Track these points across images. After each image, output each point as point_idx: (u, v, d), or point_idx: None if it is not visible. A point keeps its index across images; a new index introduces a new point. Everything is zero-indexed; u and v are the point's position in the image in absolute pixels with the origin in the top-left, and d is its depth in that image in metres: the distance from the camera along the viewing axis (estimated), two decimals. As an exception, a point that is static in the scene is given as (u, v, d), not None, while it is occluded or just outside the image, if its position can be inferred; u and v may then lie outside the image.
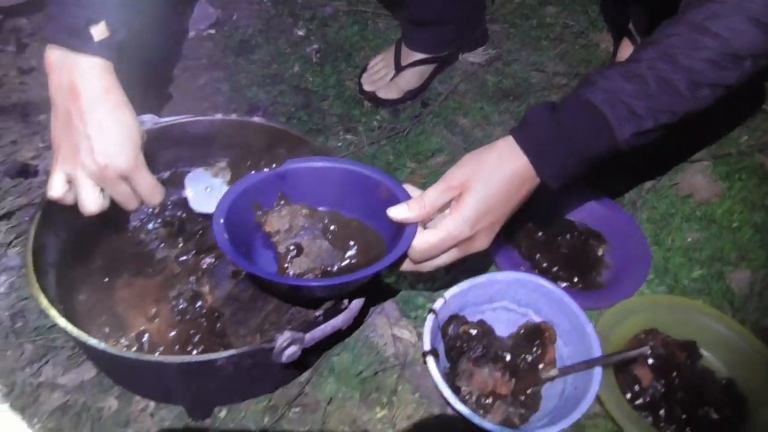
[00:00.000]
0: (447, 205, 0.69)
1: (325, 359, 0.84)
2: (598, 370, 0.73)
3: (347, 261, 0.75)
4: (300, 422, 0.79)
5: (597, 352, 0.75)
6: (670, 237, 1.02)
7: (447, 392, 0.71)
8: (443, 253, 0.69)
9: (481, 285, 0.81)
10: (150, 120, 0.89)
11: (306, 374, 0.83)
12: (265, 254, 0.77)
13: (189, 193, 0.91)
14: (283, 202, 0.76)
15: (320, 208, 0.78)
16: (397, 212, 0.69)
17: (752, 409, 0.79)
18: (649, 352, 0.69)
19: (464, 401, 0.76)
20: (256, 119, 0.94)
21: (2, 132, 1.16)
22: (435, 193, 0.68)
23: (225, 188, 0.87)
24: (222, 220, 0.69)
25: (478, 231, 0.68)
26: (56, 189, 0.71)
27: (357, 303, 0.75)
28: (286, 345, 0.68)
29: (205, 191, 0.91)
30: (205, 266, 0.89)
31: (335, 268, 0.74)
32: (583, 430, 0.78)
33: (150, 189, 0.75)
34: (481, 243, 0.70)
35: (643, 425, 0.76)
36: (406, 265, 0.71)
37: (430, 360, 0.73)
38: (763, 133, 1.25)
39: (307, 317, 0.80)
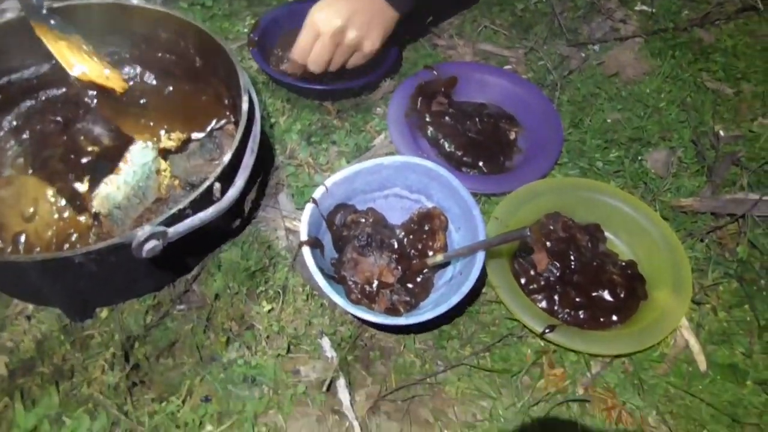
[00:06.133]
0: None
1: (214, 255, 0.81)
2: (480, 255, 0.69)
3: None
4: (185, 320, 0.76)
5: (482, 236, 0.71)
6: (590, 118, 0.96)
7: (321, 281, 0.67)
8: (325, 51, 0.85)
9: (367, 171, 0.76)
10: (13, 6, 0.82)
11: (194, 271, 0.80)
12: None
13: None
14: None
15: None
16: None
17: (650, 290, 0.77)
18: (528, 233, 0.65)
19: (349, 291, 0.73)
20: (135, 1, 0.86)
21: None
22: None
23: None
24: None
25: (349, 22, 0.83)
26: None
27: (231, 193, 0.71)
28: (145, 239, 0.64)
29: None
30: (85, 162, 0.84)
31: None
32: (476, 317, 0.76)
33: None
34: (368, 44, 0.86)
35: (533, 310, 0.73)
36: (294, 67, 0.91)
37: (306, 250, 0.70)
38: (708, 5, 1.17)
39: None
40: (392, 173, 0.77)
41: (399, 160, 0.76)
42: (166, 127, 0.86)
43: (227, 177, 0.72)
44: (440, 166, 0.76)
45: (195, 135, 0.86)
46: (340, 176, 0.75)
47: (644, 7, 1.14)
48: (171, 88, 0.91)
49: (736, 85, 1.03)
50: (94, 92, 0.90)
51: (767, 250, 0.83)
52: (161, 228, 0.65)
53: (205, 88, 0.89)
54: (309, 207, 0.73)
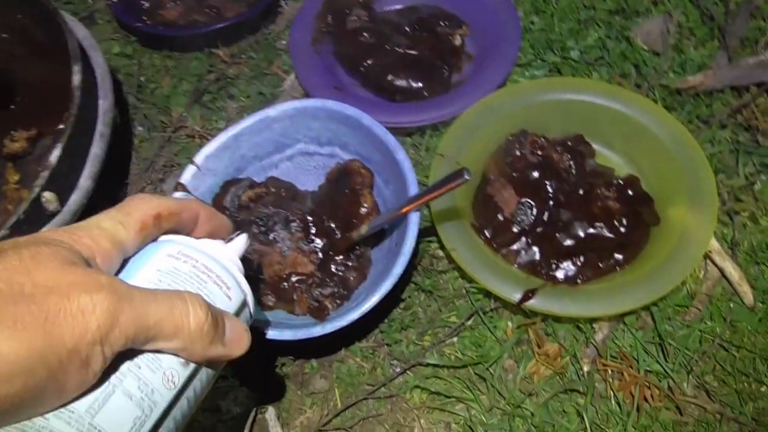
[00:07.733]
0: None
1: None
2: (414, 216, 0.50)
3: None
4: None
5: (413, 187, 0.52)
6: (555, -4, 0.74)
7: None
8: None
9: (250, 131, 0.56)
10: None
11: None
12: None
13: None
14: None
15: None
16: None
17: (661, 209, 0.57)
18: (465, 175, 0.46)
19: (260, 293, 0.55)
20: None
21: None
22: None
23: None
24: None
25: None
26: None
27: (75, 198, 0.53)
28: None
29: None
30: None
31: None
32: (434, 292, 0.57)
33: None
34: None
35: (506, 271, 0.54)
36: None
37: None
38: None
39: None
40: (288, 125, 0.57)
41: (290, 107, 0.56)
42: (11, 126, 0.67)
43: (64, 179, 0.54)
44: (346, 103, 0.56)
45: (47, 130, 0.67)
46: (213, 146, 0.55)
47: None
48: (15, 75, 0.72)
49: None
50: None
51: (814, 123, 0.62)
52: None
53: (57, 68, 0.69)
54: (177, 197, 0.54)
